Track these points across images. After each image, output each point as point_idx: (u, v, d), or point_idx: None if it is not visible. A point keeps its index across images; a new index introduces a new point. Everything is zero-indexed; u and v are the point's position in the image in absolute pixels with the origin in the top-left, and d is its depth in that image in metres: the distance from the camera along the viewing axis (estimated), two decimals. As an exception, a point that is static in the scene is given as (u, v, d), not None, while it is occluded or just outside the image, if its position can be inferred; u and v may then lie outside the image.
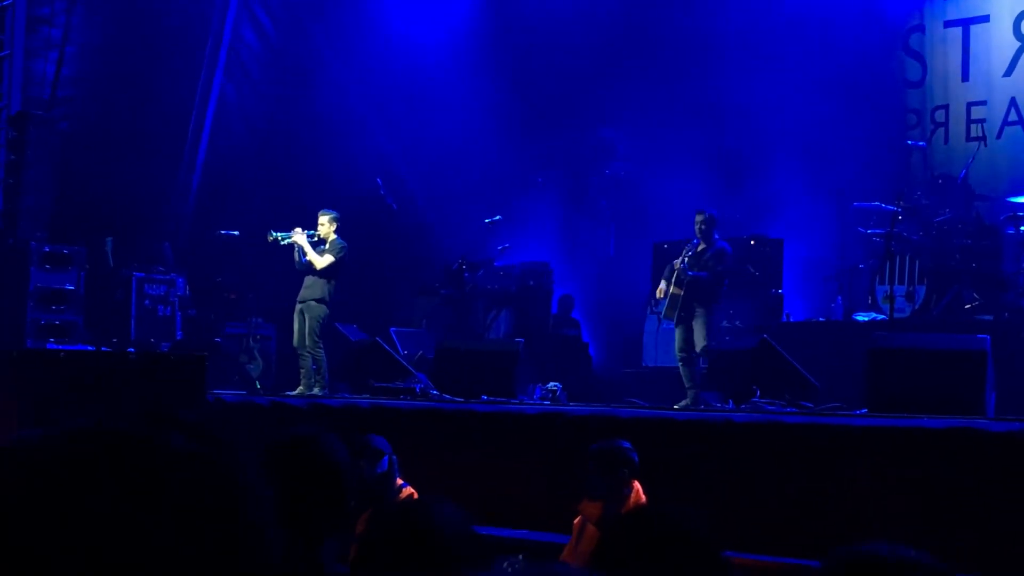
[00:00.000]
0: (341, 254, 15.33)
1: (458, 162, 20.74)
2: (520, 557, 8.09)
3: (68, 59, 19.83)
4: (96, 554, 1.29)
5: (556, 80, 20.84)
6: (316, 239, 15.37)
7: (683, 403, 13.75)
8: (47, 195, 18.18)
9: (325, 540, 4.15)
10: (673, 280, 14.22)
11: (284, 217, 15.98)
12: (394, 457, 9.39)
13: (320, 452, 4.31)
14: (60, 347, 15.93)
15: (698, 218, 14.54)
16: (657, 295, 14.69)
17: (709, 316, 14.23)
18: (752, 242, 17.10)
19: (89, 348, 16.21)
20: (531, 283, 18.31)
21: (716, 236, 14.54)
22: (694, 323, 14.16)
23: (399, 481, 9.41)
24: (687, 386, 14.04)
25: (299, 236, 15.36)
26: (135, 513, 1.31)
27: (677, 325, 14.31)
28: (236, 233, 18.09)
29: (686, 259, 14.30)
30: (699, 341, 14.10)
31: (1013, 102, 17.74)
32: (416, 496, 9.31)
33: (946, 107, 18.49)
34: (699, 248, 14.46)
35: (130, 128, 19.78)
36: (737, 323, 16.43)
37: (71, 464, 1.34)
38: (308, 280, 15.37)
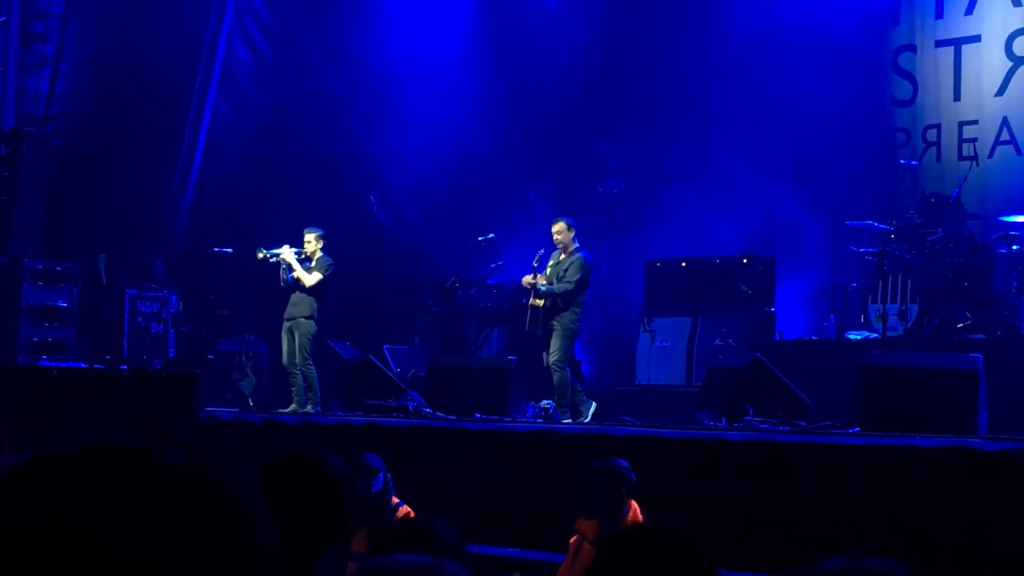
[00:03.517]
0: (328, 271, 15.36)
1: (451, 179, 20.75)
2: (516, 575, 8.11)
3: (61, 75, 19.83)
4: (96, 572, 1.29)
5: (550, 96, 20.84)
6: (303, 256, 15.38)
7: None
8: (40, 211, 18.16)
9: (323, 555, 4.16)
10: (532, 292, 14.37)
11: (277, 234, 15.98)
12: (388, 475, 9.38)
13: (319, 468, 4.33)
14: (53, 364, 15.92)
15: (555, 228, 14.68)
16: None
17: (566, 327, 14.39)
18: (744, 260, 17.12)
19: (82, 365, 16.20)
20: (524, 301, 18.31)
21: (576, 245, 14.67)
22: (553, 335, 14.38)
23: (395, 500, 9.40)
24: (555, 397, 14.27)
25: (287, 253, 15.38)
26: (135, 529, 1.32)
27: (542, 337, 14.49)
28: (229, 250, 18.10)
29: (547, 270, 14.46)
30: (552, 355, 14.30)
31: (1005, 121, 17.75)
32: (412, 515, 9.31)
33: (938, 126, 18.50)
34: (560, 258, 14.58)
35: (123, 145, 19.77)
36: (730, 341, 16.44)
37: (71, 483, 1.35)
38: (295, 297, 15.38)
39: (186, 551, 1.33)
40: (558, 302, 14.36)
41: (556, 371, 14.26)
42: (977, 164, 17.21)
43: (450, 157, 20.65)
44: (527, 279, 14.52)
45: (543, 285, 14.40)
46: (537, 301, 14.39)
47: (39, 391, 13.05)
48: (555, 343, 14.31)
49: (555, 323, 14.35)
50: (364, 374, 15.26)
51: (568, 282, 14.38)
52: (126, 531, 1.31)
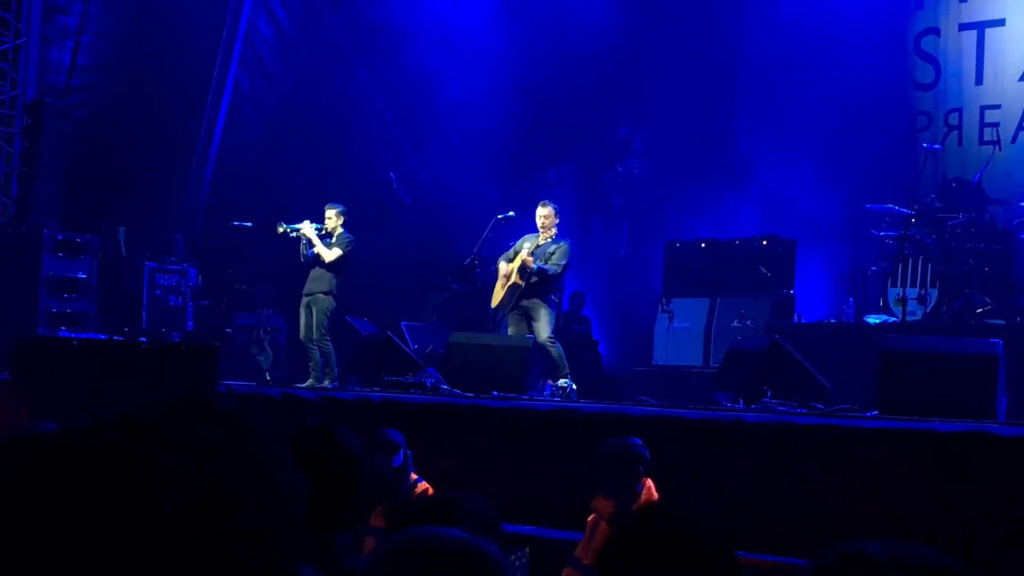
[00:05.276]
0: (348, 247, 15.36)
1: (471, 156, 20.74)
2: (526, 550, 8.10)
3: (84, 48, 19.86)
4: (111, 548, 1.29)
5: (572, 76, 20.83)
6: (323, 232, 15.39)
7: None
8: (61, 183, 18.23)
9: (339, 532, 4.16)
10: (515, 271, 14.46)
11: (297, 209, 15.99)
12: (409, 451, 9.40)
13: (335, 443, 4.31)
14: (72, 335, 15.96)
15: (544, 211, 14.85)
16: (500, 281, 15.00)
17: (549, 308, 14.66)
18: (765, 242, 17.08)
19: (101, 337, 16.23)
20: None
21: (557, 230, 14.87)
22: (536, 314, 14.60)
23: (413, 476, 9.42)
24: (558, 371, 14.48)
25: (307, 229, 15.38)
26: (151, 506, 1.31)
27: (513, 319, 14.81)
28: (248, 224, 18.11)
29: (523, 250, 14.58)
30: (542, 332, 14.50)
31: (1028, 107, 17.74)
32: (431, 491, 9.32)
33: (960, 110, 18.46)
34: (540, 240, 14.70)
35: (144, 118, 19.80)
36: (748, 323, 16.41)
37: (93, 456, 1.34)
38: (314, 273, 15.39)
39: (205, 533, 1.33)
40: (542, 284, 14.54)
41: (551, 346, 14.43)
42: (999, 149, 17.16)
43: (471, 135, 20.63)
44: (527, 257, 14.59)
45: (539, 264, 14.53)
46: (519, 279, 14.54)
47: (58, 362, 13.07)
48: (543, 322, 14.56)
49: (539, 304, 14.56)
50: (382, 350, 15.26)
51: (556, 265, 14.61)
52: (141, 510, 1.30)
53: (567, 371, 14.40)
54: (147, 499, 1.31)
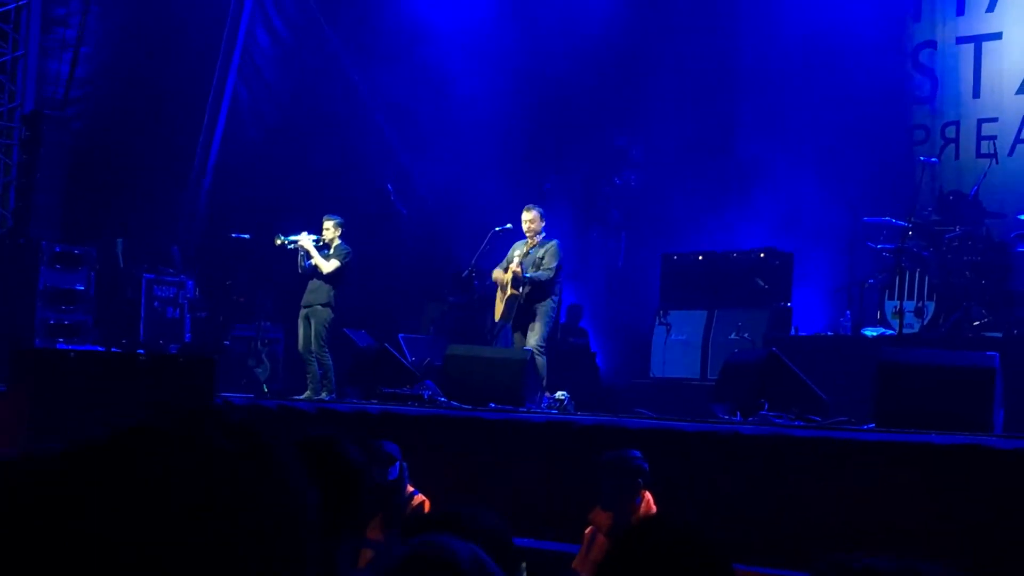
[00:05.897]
0: (346, 259, 15.36)
1: (469, 168, 20.74)
2: (523, 565, 8.10)
3: (82, 60, 19.88)
4: (111, 547, 1.30)
5: (570, 86, 20.85)
6: (321, 244, 15.39)
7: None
8: (59, 195, 18.23)
9: (342, 541, 4.16)
10: (509, 283, 14.45)
11: (295, 221, 15.99)
12: (405, 463, 9.39)
13: (337, 454, 4.32)
14: (70, 347, 15.95)
15: (528, 215, 14.84)
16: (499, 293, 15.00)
17: (547, 313, 14.62)
18: (762, 255, 17.10)
19: (99, 349, 16.23)
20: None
21: (544, 232, 14.83)
22: (533, 321, 14.54)
23: (410, 488, 9.41)
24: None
25: (305, 240, 15.38)
26: (152, 504, 1.32)
27: (515, 329, 14.74)
28: (246, 236, 18.11)
29: (522, 260, 14.58)
30: (532, 338, 14.45)
31: (1025, 120, 17.75)
32: (427, 504, 9.32)
33: (957, 123, 18.47)
34: (527, 247, 14.70)
35: (143, 129, 19.82)
36: (746, 335, 16.42)
37: (93, 455, 1.35)
38: (312, 284, 15.39)
39: (215, 530, 1.33)
40: (538, 290, 14.52)
41: (538, 354, 14.37)
42: (996, 162, 17.17)
43: (468, 146, 20.64)
44: (516, 268, 14.59)
45: (529, 273, 14.53)
46: (515, 291, 14.53)
47: (55, 374, 13.06)
48: (538, 329, 14.50)
49: (537, 309, 14.52)
50: (380, 362, 15.26)
51: (548, 269, 14.57)
52: (150, 511, 1.31)
53: (544, 383, 14.38)
54: (148, 498, 1.32)
